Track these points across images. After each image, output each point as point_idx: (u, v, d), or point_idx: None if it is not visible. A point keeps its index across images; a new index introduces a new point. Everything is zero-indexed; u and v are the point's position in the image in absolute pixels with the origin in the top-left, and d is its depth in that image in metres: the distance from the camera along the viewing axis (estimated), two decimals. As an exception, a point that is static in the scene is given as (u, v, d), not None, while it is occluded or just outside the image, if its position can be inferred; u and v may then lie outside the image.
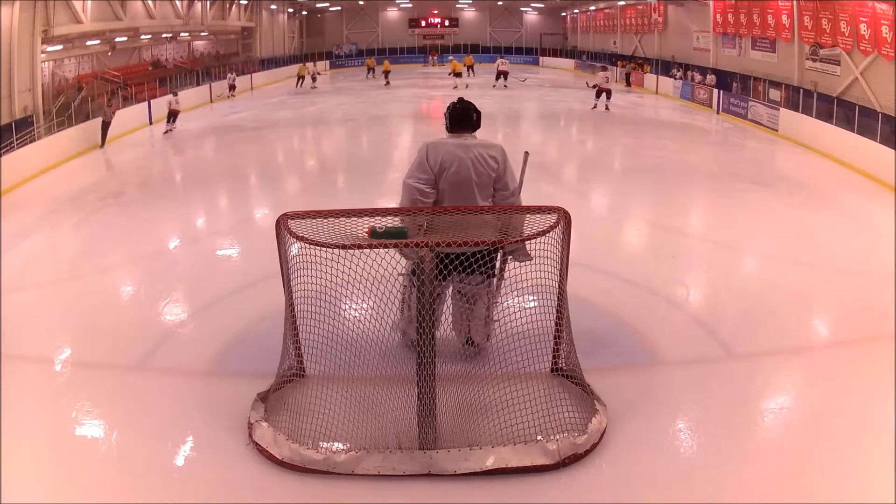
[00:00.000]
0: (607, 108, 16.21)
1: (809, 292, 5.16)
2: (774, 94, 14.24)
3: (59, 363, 4.12)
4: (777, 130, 13.13)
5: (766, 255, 6.14)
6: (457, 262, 3.19)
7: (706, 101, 16.98)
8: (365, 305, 3.35)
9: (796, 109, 12.72)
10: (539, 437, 2.97)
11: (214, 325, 4.47)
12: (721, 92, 16.28)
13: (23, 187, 9.54)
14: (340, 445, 2.98)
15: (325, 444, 2.98)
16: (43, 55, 13.59)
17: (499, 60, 23.45)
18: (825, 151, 11.02)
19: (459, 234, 3.11)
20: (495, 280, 3.70)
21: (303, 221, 3.16)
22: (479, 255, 3.24)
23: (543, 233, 3.14)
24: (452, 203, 3.50)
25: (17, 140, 10.45)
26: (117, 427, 3.38)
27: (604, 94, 16.27)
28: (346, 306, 3.32)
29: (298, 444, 2.97)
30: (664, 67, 21.07)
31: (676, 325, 4.50)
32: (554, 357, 3.43)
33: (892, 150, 8.95)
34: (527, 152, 3.86)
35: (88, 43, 16.71)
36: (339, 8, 32.67)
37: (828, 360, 4.11)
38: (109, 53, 18.60)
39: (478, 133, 3.73)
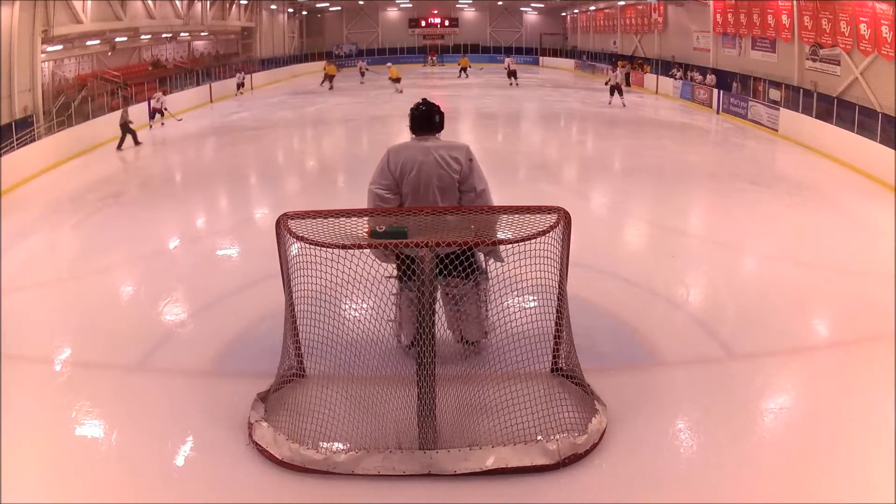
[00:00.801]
0: (614, 105, 16.87)
1: (809, 292, 5.15)
2: (774, 94, 14.23)
3: (59, 363, 4.12)
4: (777, 130, 13.12)
5: (766, 255, 6.13)
6: (436, 264, 3.12)
7: (706, 101, 16.98)
8: (365, 305, 3.34)
9: (796, 109, 12.72)
10: (539, 437, 2.98)
11: (214, 325, 4.47)
12: (721, 92, 16.28)
13: (23, 187, 9.55)
14: (340, 445, 2.98)
15: (325, 444, 2.98)
16: (43, 55, 13.59)
17: (507, 60, 24.00)
18: (825, 151, 11.02)
19: (442, 235, 3.10)
20: (482, 280, 3.64)
21: (303, 221, 3.16)
22: (455, 257, 3.21)
23: (543, 233, 3.11)
24: (411, 204, 3.48)
25: (17, 140, 10.45)
26: (117, 427, 3.38)
27: (616, 92, 16.93)
28: (346, 306, 3.31)
29: (298, 444, 2.97)
30: (664, 67, 21.06)
31: (676, 326, 4.49)
32: (554, 357, 3.42)
33: (893, 151, 8.92)
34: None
35: (88, 43, 16.70)
36: (339, 8, 32.67)
37: (828, 360, 4.10)
38: (109, 53, 18.60)
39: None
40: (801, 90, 13.23)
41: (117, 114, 13.18)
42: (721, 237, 6.58)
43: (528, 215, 3.28)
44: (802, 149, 11.75)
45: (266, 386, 3.46)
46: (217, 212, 8.26)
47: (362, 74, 24.63)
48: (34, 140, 11.07)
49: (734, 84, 16.53)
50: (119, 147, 12.28)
